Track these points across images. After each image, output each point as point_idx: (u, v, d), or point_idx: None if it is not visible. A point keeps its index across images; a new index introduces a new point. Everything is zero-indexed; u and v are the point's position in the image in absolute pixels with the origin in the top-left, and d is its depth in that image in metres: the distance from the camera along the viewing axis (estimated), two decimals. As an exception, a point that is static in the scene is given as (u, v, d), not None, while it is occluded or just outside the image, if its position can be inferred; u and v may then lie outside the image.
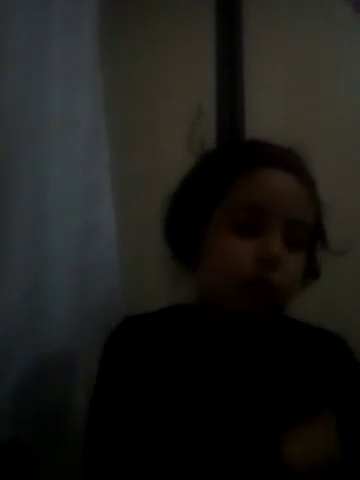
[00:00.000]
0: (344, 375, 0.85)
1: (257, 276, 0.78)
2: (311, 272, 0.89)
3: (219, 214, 0.82)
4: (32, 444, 1.06)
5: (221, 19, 1.35)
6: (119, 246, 1.20)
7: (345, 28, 1.45)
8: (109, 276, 1.19)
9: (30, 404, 1.05)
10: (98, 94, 1.20)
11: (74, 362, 1.13)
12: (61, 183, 1.11)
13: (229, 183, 0.81)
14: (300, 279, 0.83)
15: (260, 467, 0.72)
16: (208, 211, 0.83)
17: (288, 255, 0.79)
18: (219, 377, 0.81)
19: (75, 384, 1.13)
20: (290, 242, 0.80)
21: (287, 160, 0.83)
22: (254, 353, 0.83)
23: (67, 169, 1.13)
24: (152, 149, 1.38)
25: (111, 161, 1.21)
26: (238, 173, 0.82)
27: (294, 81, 1.44)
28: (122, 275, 1.20)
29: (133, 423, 0.76)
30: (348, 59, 1.46)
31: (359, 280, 1.41)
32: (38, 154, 1.09)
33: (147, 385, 0.79)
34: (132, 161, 1.34)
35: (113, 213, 1.20)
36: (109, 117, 1.22)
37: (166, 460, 0.74)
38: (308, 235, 0.83)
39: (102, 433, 0.79)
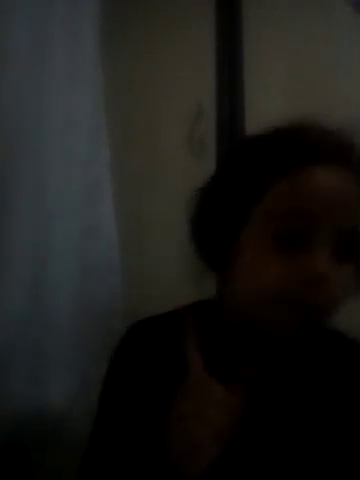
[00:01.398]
0: None
1: (300, 298, 0.65)
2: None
3: (256, 219, 0.69)
4: (32, 445, 1.06)
5: (221, 19, 1.35)
6: (119, 246, 1.20)
7: (345, 28, 1.45)
8: (110, 276, 1.18)
9: (31, 406, 1.05)
10: (98, 94, 1.20)
11: (74, 363, 1.13)
12: (61, 183, 1.11)
13: (267, 184, 0.68)
14: (347, 293, 0.70)
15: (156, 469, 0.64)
16: (243, 213, 0.70)
17: (337, 267, 0.66)
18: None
19: (76, 385, 1.13)
20: (341, 252, 0.67)
21: (341, 153, 0.67)
22: (279, 367, 0.73)
23: (67, 169, 1.13)
24: (152, 149, 1.38)
25: (111, 161, 1.21)
26: (278, 173, 0.67)
27: (294, 81, 1.43)
28: (123, 275, 1.20)
29: (139, 431, 0.72)
30: (348, 59, 1.45)
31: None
32: (38, 154, 1.09)
33: (156, 394, 0.72)
34: (132, 161, 1.34)
35: (113, 213, 1.20)
36: (109, 117, 1.22)
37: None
38: None
39: (105, 439, 0.75)
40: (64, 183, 1.12)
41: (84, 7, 1.18)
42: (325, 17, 1.45)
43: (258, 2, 1.39)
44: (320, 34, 1.45)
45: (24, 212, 1.05)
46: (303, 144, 0.68)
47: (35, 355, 1.06)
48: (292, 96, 1.43)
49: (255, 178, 0.68)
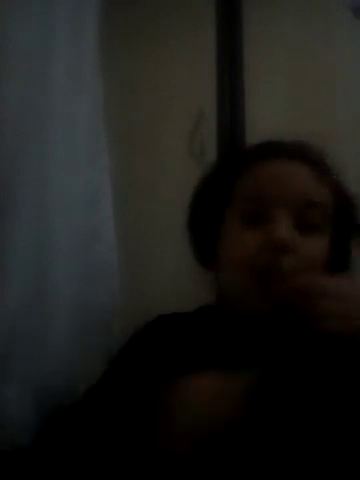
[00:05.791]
0: None
1: (267, 262, 0.76)
2: (340, 262, 0.83)
3: (229, 212, 0.84)
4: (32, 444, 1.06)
5: (221, 23, 1.36)
6: (119, 250, 1.21)
7: (345, 31, 1.45)
8: (109, 279, 1.19)
9: (32, 409, 1.06)
10: (99, 97, 1.20)
11: (74, 366, 1.13)
12: (62, 186, 1.11)
13: (234, 182, 0.83)
14: (319, 265, 0.79)
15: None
16: (220, 213, 0.84)
17: (301, 238, 0.78)
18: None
19: (75, 388, 1.13)
20: (303, 225, 0.79)
21: (290, 149, 0.84)
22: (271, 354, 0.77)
23: (68, 172, 1.13)
24: (153, 153, 1.38)
25: (111, 165, 1.21)
26: (240, 171, 0.84)
27: (294, 85, 1.44)
28: (122, 278, 1.21)
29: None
30: (348, 62, 1.46)
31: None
32: (39, 156, 1.09)
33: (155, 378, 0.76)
34: (133, 165, 1.34)
35: (113, 217, 1.20)
36: (109, 121, 1.22)
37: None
38: (325, 217, 0.81)
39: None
40: (64, 187, 1.12)
41: (85, 10, 1.18)
42: (325, 21, 1.46)
43: (258, 6, 1.40)
44: (320, 38, 1.46)
45: (25, 215, 1.06)
46: (262, 147, 0.87)
47: (35, 360, 1.06)
48: (292, 99, 1.43)
49: (226, 177, 0.85)
